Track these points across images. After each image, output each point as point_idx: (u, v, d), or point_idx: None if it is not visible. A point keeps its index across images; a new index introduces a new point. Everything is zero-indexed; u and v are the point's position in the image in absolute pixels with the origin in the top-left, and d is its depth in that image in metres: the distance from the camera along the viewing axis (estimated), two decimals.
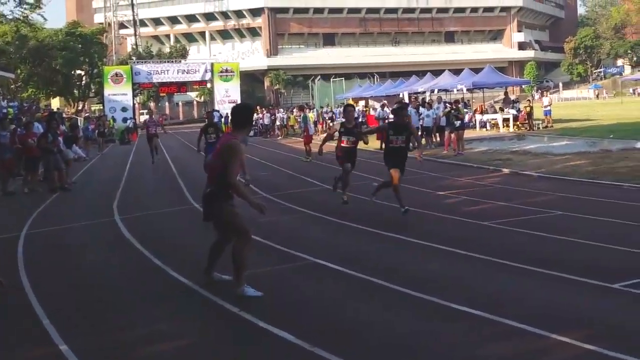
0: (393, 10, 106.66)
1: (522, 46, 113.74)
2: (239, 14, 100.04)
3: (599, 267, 7.61)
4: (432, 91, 37.37)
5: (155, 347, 5.86)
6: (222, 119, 41.39)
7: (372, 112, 43.10)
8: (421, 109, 27.39)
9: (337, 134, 13.53)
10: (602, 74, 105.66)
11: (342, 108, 45.57)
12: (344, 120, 13.80)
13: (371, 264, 8.29)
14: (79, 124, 37.01)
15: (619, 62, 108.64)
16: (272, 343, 5.75)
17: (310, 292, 7.35)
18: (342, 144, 12.98)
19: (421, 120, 26.38)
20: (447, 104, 26.57)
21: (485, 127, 34.05)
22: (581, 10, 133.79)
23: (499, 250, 8.61)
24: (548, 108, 35.13)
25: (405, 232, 10.11)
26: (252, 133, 45.74)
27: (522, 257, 8.19)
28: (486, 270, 7.93)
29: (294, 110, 43.03)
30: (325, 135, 13.75)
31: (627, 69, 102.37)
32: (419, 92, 39.32)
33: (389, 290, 7.14)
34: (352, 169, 13.05)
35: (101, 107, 70.17)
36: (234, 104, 8.27)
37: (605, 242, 8.75)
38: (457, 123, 22.77)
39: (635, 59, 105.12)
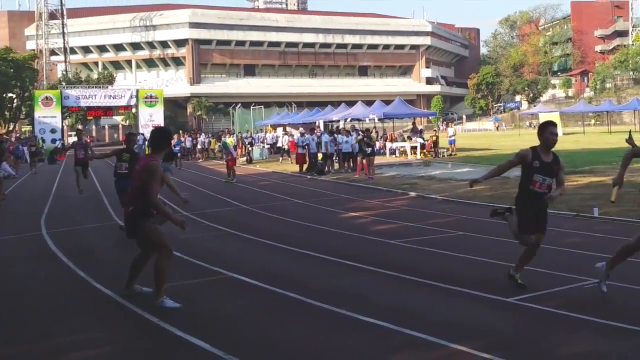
0: (311, 45, 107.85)
1: (429, 81, 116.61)
2: (164, 44, 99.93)
3: (496, 282, 7.71)
4: (346, 120, 37.76)
5: (74, 355, 5.77)
6: (146, 142, 40.82)
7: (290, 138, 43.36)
8: (338, 136, 27.68)
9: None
10: (501, 108, 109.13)
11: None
12: (533, 147, 7.47)
13: (285, 279, 8.25)
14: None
15: (517, 97, 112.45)
16: (189, 351, 5.72)
17: (226, 305, 7.31)
18: (531, 187, 7.28)
19: (338, 146, 26.85)
20: (359, 132, 26.93)
21: (395, 154, 34.70)
22: (484, 50, 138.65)
23: (403, 266, 8.67)
24: (452, 138, 35.91)
25: (317, 250, 10.10)
26: None
27: (425, 272, 8.29)
28: (391, 284, 7.96)
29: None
30: (496, 167, 7.23)
31: (524, 104, 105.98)
32: (334, 121, 39.69)
33: (302, 303, 7.15)
34: (542, 236, 7.45)
35: (31, 128, 69.39)
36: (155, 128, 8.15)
37: (501, 260, 8.87)
38: (368, 150, 23.08)
39: (531, 95, 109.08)
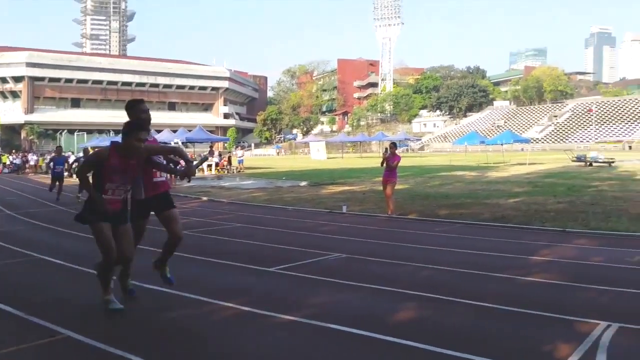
0: (128, 84, 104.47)
1: (226, 116, 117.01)
2: (3, 80, 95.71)
3: (261, 257, 7.76)
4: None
5: None
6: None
7: None
8: None
9: None
10: (282, 138, 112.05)
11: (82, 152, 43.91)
12: None
13: (89, 259, 7.64)
14: None
15: (294, 130, 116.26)
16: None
17: (36, 278, 6.84)
18: None
19: None
20: None
21: None
22: (270, 93, 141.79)
23: (190, 247, 8.39)
24: (241, 158, 36.19)
25: None
26: (6, 170, 41.73)
27: (207, 252, 8.15)
28: (177, 261, 7.66)
29: (46, 155, 40.10)
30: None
31: (300, 136, 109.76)
32: None
33: (82, 272, 6.61)
34: None
35: None
36: None
37: (266, 242, 9.03)
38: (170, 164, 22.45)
39: (305, 129, 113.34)
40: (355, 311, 5.17)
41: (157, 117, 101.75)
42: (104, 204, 4.92)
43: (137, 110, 5.54)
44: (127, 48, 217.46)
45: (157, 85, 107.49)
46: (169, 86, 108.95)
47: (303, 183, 22.75)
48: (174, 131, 40.48)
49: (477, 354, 3.98)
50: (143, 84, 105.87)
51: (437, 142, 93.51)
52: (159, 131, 42.73)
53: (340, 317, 4.90)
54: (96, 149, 5.29)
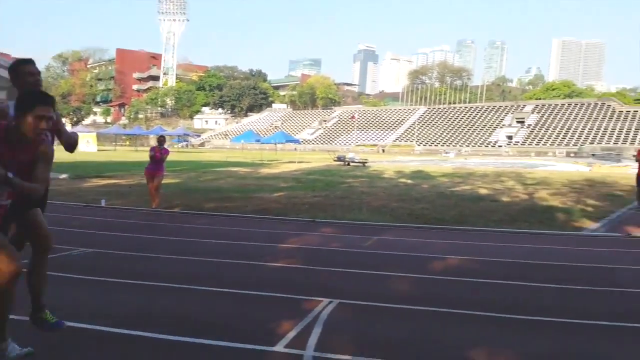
0: None
1: None
2: None
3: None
4: None
5: None
6: None
7: None
8: None
9: None
10: None
11: None
12: None
13: None
14: None
15: (63, 120, 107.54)
16: None
17: None
18: None
19: None
20: None
21: None
22: None
23: None
24: None
25: None
26: None
27: None
28: None
29: None
30: None
31: (69, 126, 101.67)
32: None
33: None
34: None
35: None
36: None
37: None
38: None
39: (75, 119, 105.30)
40: (91, 308, 4.77)
41: None
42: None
43: (22, 72, 3.87)
44: None
45: None
46: None
47: (63, 176, 20.95)
48: None
49: (211, 338, 3.96)
50: None
51: (217, 139, 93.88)
52: None
53: (68, 313, 4.49)
54: None
